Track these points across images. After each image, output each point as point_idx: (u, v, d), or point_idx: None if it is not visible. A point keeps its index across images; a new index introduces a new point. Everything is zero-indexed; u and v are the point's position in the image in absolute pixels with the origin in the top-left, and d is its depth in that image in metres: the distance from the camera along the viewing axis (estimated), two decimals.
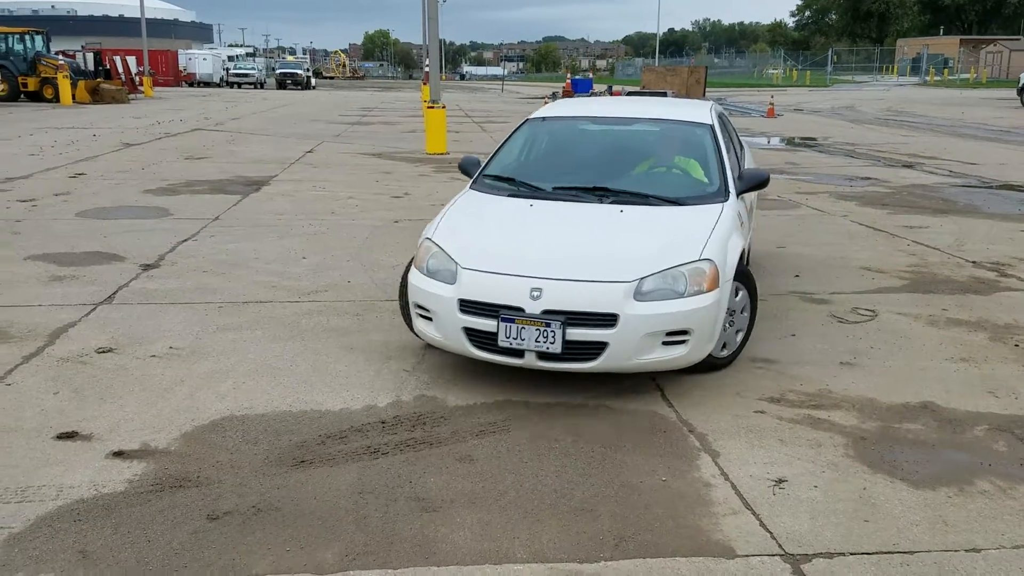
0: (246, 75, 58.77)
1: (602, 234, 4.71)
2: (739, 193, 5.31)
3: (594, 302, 4.21)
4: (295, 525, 3.25)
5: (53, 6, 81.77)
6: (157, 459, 3.76)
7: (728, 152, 5.63)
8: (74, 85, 31.70)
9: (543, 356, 4.25)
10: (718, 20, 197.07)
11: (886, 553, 3.12)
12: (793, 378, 4.84)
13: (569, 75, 46.63)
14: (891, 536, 3.24)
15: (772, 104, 29.23)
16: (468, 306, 4.39)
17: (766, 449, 3.94)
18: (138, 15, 44.23)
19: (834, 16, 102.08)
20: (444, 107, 16.78)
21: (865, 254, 8.01)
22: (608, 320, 4.20)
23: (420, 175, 13.52)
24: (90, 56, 36.88)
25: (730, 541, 3.19)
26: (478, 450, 3.89)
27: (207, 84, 58.24)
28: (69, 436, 3.94)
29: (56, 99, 31.25)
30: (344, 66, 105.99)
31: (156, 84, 43.55)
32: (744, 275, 4.92)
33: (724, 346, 4.80)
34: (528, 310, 4.23)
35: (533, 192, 5.33)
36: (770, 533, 3.25)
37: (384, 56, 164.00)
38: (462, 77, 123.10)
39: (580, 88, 38.22)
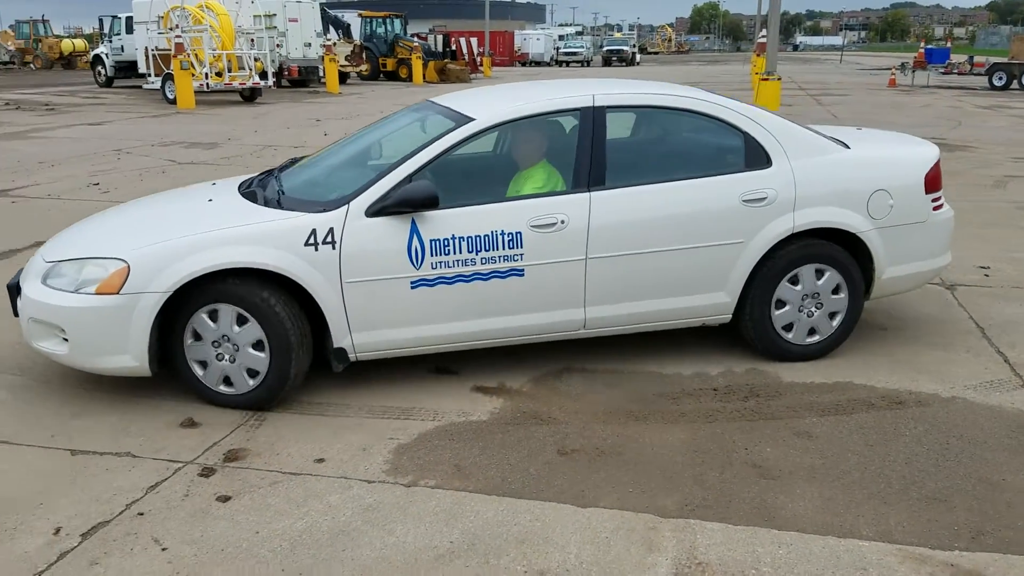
0: (574, 53, 60.84)
1: (161, 219, 4.41)
2: (378, 211, 3.92)
3: (25, 272, 4.22)
4: (635, 470, 3.45)
5: None
6: (512, 397, 4.17)
7: (416, 158, 4.03)
8: (424, 66, 34.45)
9: None
10: None
11: None
12: None
13: (923, 44, 42.21)
14: None
15: None
16: None
17: None
18: None
19: None
20: (779, 79, 16.23)
21: None
22: (16, 294, 4.19)
23: None
24: (439, 38, 40.23)
25: None
26: (817, 427, 3.82)
27: (538, 63, 61.17)
28: (443, 371, 4.49)
29: (409, 78, 34.33)
30: (669, 40, 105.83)
31: (493, 64, 46.52)
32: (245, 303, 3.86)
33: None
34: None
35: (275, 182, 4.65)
36: None
37: (711, 29, 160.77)
38: (795, 48, 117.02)
39: (935, 58, 34.53)
